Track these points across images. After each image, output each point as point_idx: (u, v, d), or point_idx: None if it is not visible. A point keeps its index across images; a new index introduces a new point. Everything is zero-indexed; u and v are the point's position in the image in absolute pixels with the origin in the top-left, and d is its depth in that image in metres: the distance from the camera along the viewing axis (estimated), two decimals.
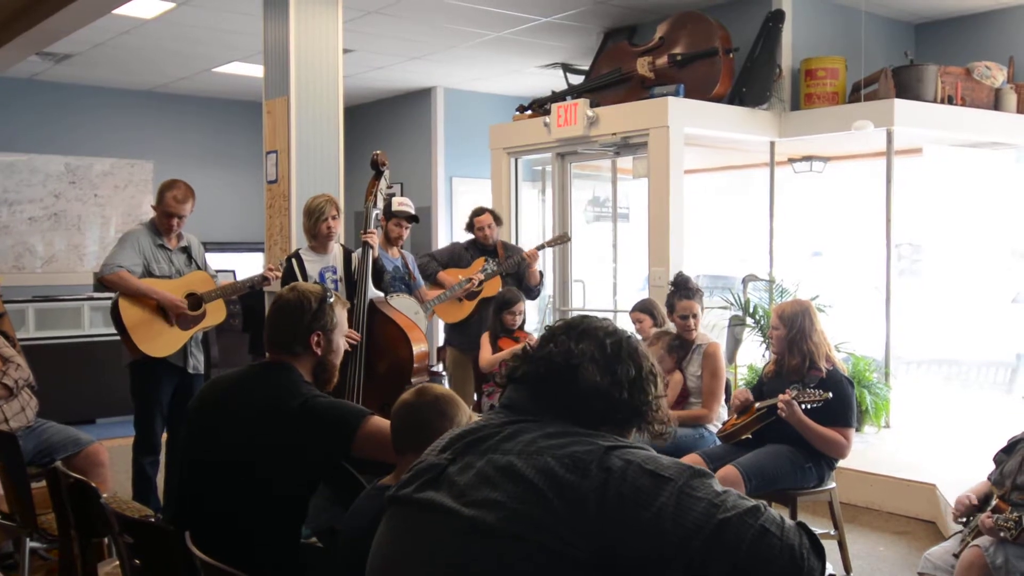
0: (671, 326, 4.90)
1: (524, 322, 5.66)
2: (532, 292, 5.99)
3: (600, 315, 1.85)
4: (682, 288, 4.83)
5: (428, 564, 1.49)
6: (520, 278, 5.94)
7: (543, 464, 1.44)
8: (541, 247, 6.11)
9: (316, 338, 2.60)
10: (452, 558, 1.46)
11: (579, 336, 1.67)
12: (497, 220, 6.06)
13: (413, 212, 5.56)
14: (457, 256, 6.05)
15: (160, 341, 4.61)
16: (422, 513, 1.53)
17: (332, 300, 2.66)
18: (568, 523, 1.39)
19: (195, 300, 4.70)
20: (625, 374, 1.65)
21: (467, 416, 2.30)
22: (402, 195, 6.49)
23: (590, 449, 1.46)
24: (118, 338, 4.69)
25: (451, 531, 1.47)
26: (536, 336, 5.46)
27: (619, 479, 1.41)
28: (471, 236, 6.10)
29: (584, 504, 1.40)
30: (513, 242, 7.12)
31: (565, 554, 1.39)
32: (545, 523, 1.40)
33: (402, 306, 4.94)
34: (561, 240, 6.47)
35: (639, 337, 5.05)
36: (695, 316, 4.73)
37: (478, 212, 6.10)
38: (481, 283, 5.78)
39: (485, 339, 5.54)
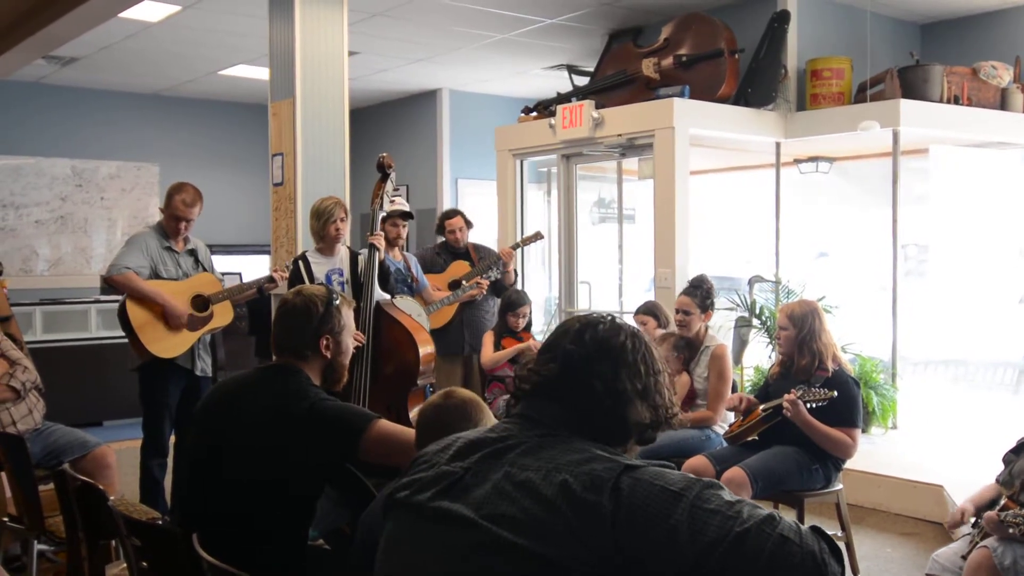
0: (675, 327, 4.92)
1: (530, 324, 5.64)
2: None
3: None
4: (688, 286, 4.87)
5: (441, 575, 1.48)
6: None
7: (561, 481, 1.44)
8: (516, 246, 6.11)
9: (325, 341, 2.60)
10: (467, 571, 1.45)
11: (610, 358, 1.62)
12: (468, 223, 6.06)
13: (407, 209, 5.55)
14: (430, 261, 6.00)
15: (168, 341, 4.62)
16: (437, 523, 1.51)
17: (338, 302, 2.66)
18: (585, 541, 1.39)
19: (202, 301, 4.71)
20: (654, 386, 1.64)
21: (492, 422, 2.30)
22: (407, 197, 6.47)
23: (609, 467, 1.45)
24: (125, 340, 4.70)
25: (467, 544, 1.46)
26: (538, 340, 5.49)
27: (629, 497, 1.41)
28: (441, 239, 6.09)
29: (601, 523, 1.39)
30: None
31: (582, 572, 1.39)
32: (562, 541, 1.40)
33: (406, 308, 4.95)
34: (535, 238, 6.32)
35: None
36: (686, 313, 4.73)
37: (449, 215, 6.10)
38: (487, 285, 5.76)
39: (488, 337, 5.53)
